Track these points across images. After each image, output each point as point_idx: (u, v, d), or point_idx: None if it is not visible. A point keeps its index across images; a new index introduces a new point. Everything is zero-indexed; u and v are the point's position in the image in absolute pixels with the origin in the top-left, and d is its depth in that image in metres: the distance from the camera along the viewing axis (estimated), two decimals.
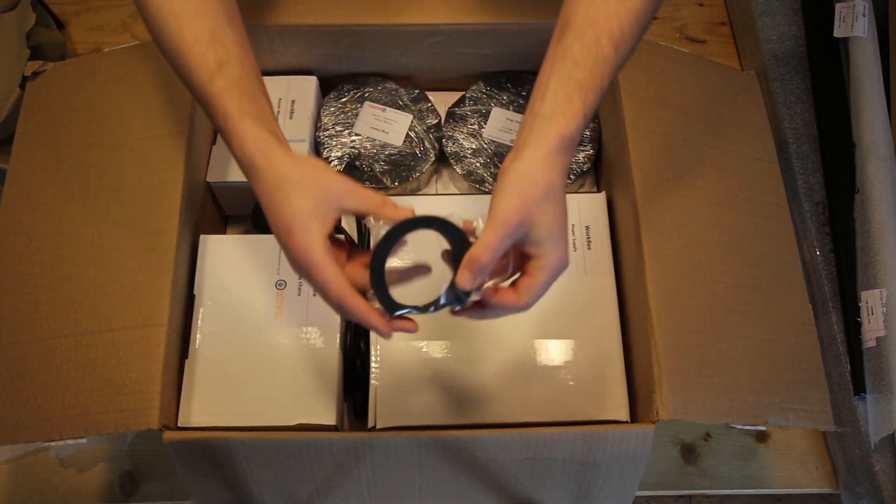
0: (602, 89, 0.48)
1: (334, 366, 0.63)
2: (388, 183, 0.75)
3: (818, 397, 0.62)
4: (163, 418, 0.56)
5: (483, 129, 0.79)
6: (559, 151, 0.47)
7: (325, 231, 0.46)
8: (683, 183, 0.67)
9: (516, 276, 0.49)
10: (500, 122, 0.79)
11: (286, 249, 0.47)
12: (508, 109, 0.80)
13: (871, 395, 0.69)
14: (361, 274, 0.48)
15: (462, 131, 0.79)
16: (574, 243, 0.69)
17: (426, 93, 0.81)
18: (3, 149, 0.76)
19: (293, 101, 0.77)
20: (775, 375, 0.61)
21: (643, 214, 0.63)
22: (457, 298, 0.46)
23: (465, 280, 0.45)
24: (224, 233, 0.79)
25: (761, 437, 0.74)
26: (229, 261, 0.66)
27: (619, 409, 0.63)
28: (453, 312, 0.48)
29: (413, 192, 0.79)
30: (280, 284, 0.66)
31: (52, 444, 0.57)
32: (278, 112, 0.76)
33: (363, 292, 0.47)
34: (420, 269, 0.51)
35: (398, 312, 0.47)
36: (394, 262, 0.49)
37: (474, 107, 0.80)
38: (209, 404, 0.61)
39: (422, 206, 0.73)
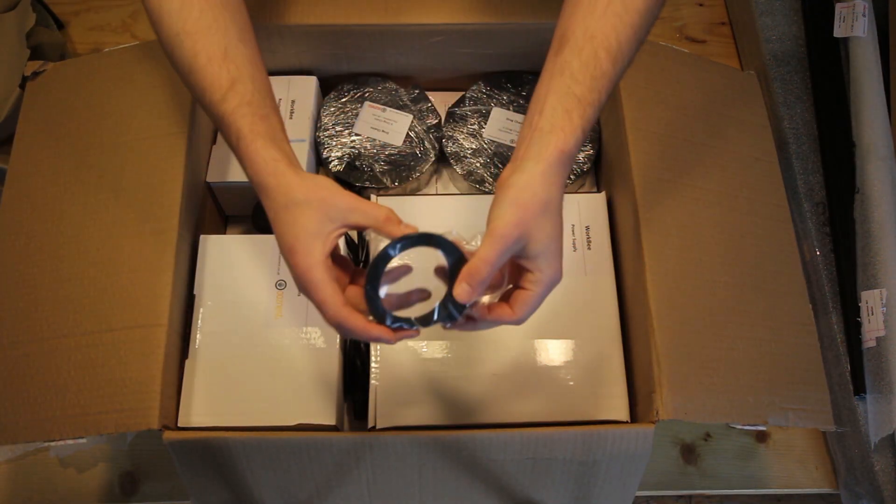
0: (600, 103, 0.49)
1: (334, 366, 0.63)
2: (388, 183, 0.75)
3: (818, 397, 0.62)
4: (163, 418, 0.56)
5: (483, 129, 0.79)
6: (558, 166, 0.47)
7: (327, 250, 0.46)
8: (683, 183, 0.67)
9: (509, 287, 0.49)
10: (500, 122, 0.79)
11: (290, 268, 0.48)
12: (508, 109, 0.80)
13: (871, 395, 0.69)
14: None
15: (462, 131, 0.79)
16: (574, 243, 0.69)
17: (426, 93, 0.81)
18: (3, 149, 0.76)
19: (293, 101, 0.77)
20: (775, 375, 0.61)
21: (643, 214, 0.63)
22: (449, 315, 0.46)
23: (463, 293, 0.45)
24: (224, 233, 0.80)
25: (761, 437, 0.74)
26: (229, 261, 0.66)
27: (619, 409, 0.63)
28: (445, 328, 0.48)
29: (413, 192, 0.79)
30: (280, 284, 0.66)
31: (52, 444, 0.57)
32: None
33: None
34: (420, 293, 0.51)
35: (391, 326, 0.47)
36: (394, 287, 0.50)
37: (474, 107, 0.80)
38: (209, 404, 0.61)
39: (422, 205, 0.73)
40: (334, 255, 0.49)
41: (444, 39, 0.77)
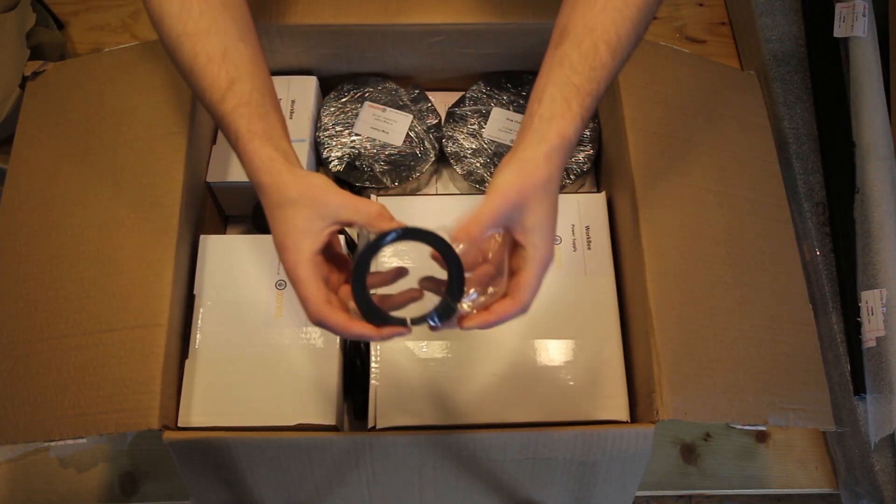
0: (598, 94, 0.50)
1: (334, 366, 0.63)
2: (388, 183, 0.75)
3: (818, 397, 0.62)
4: (163, 418, 0.56)
5: (483, 129, 0.79)
6: (559, 150, 0.48)
7: (315, 247, 0.46)
8: (683, 183, 0.67)
9: (504, 287, 0.49)
10: (500, 122, 0.79)
11: (282, 265, 0.48)
12: (508, 109, 0.80)
13: (871, 395, 0.69)
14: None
15: (462, 131, 0.79)
16: (574, 243, 0.69)
17: (426, 93, 0.81)
18: (3, 149, 0.76)
19: (293, 101, 0.77)
20: (775, 375, 0.61)
21: (643, 214, 0.63)
22: (444, 313, 0.46)
23: (460, 235, 0.46)
24: (224, 233, 0.80)
25: (761, 437, 0.74)
26: (229, 261, 0.66)
27: (619, 409, 0.63)
28: (434, 329, 0.47)
29: (413, 192, 0.79)
30: (280, 284, 0.66)
31: (52, 444, 0.57)
32: None
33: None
34: (401, 272, 0.51)
35: (375, 321, 0.47)
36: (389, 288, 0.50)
37: (474, 107, 0.80)
38: (209, 404, 0.61)
39: (422, 206, 0.73)
40: (330, 253, 0.49)
41: (444, 39, 0.77)
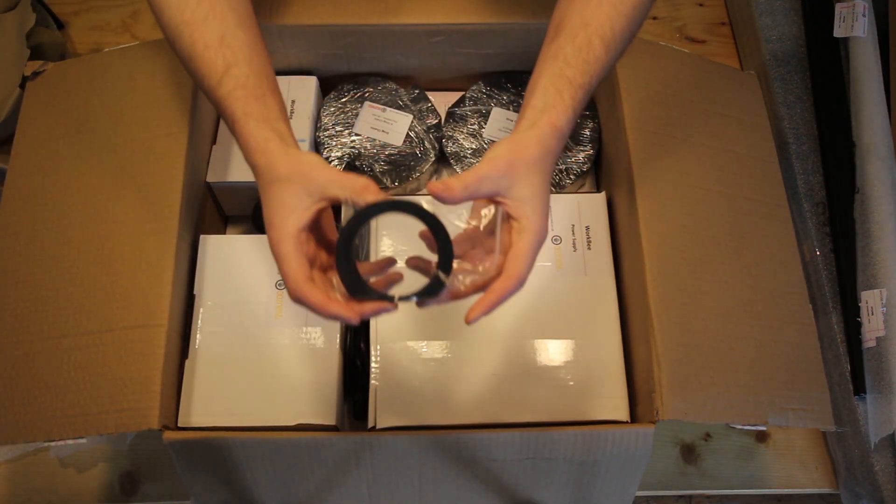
0: (591, 87, 0.51)
1: (334, 366, 0.63)
2: (388, 183, 0.76)
3: (818, 397, 0.62)
4: (163, 418, 0.56)
5: (483, 129, 0.79)
6: (551, 138, 0.49)
7: (300, 224, 0.46)
8: (683, 183, 0.67)
9: (498, 265, 0.48)
10: (500, 122, 0.79)
11: (269, 242, 0.48)
12: (508, 109, 0.80)
13: (871, 395, 0.69)
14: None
15: (462, 131, 0.79)
16: (574, 243, 0.69)
17: (426, 93, 0.81)
18: (3, 149, 0.76)
19: (293, 101, 0.77)
20: (775, 375, 0.61)
21: (643, 214, 0.63)
22: (434, 287, 0.46)
23: (435, 187, 0.45)
24: (224, 233, 0.80)
25: (761, 437, 0.74)
26: (229, 261, 0.66)
27: (619, 409, 0.63)
28: (420, 305, 0.47)
29: (413, 192, 0.79)
30: (280, 284, 0.66)
31: (52, 444, 0.57)
32: None
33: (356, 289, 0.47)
34: (390, 262, 0.52)
35: (357, 295, 0.46)
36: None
37: (474, 107, 0.80)
38: (209, 404, 0.61)
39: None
40: (322, 236, 0.49)
41: (444, 39, 0.77)
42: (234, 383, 0.62)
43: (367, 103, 0.79)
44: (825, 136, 0.81)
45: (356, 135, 0.77)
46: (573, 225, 0.69)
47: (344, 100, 0.80)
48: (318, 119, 0.79)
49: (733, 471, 0.73)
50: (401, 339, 0.64)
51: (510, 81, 0.81)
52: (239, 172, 0.73)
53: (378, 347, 0.63)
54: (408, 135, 0.78)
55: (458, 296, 0.48)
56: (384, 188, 0.76)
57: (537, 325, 0.65)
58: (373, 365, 0.63)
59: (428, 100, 0.81)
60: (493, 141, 0.78)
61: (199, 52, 0.51)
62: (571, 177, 0.77)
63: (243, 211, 0.78)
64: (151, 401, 0.56)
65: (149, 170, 0.65)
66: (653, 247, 0.62)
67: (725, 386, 0.59)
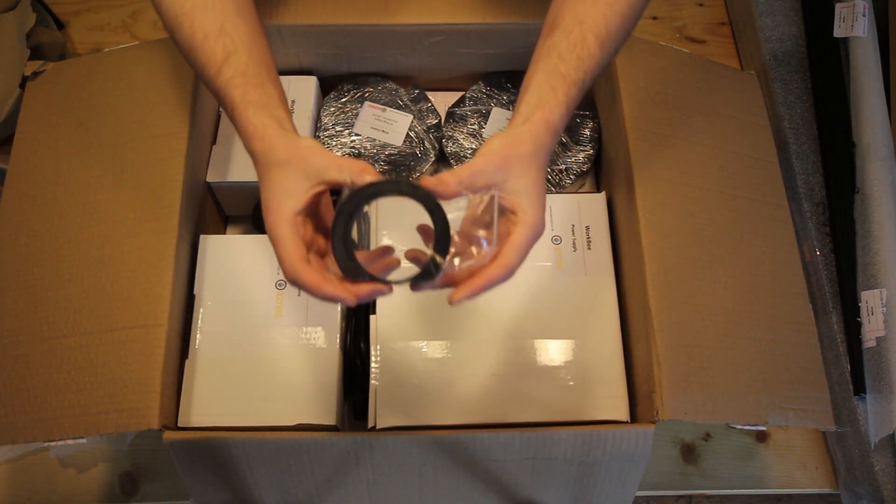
0: (585, 83, 0.51)
1: (334, 366, 0.63)
2: None
3: (818, 397, 0.62)
4: (163, 418, 0.56)
5: (483, 129, 0.79)
6: (545, 133, 0.49)
7: (297, 207, 0.46)
8: (683, 183, 0.67)
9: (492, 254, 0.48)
10: (500, 122, 0.79)
11: (265, 226, 0.48)
12: (508, 109, 0.80)
13: (871, 395, 0.69)
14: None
15: (462, 131, 0.79)
16: (574, 243, 0.69)
17: (426, 93, 0.81)
18: (3, 149, 0.76)
19: (293, 101, 0.77)
20: (775, 375, 0.61)
21: (643, 214, 0.63)
22: (430, 271, 0.45)
23: (429, 182, 0.45)
24: (224, 233, 0.80)
25: (761, 437, 0.74)
26: (229, 261, 0.66)
27: (619, 409, 0.63)
28: (415, 288, 0.47)
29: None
30: (280, 284, 0.66)
31: (52, 444, 0.57)
32: None
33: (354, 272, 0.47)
34: (388, 250, 0.51)
35: (360, 279, 0.46)
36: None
37: (474, 107, 0.80)
38: (209, 404, 0.61)
39: (422, 205, 0.73)
40: (320, 223, 0.49)
41: (444, 39, 0.77)
42: (234, 383, 0.62)
43: (367, 103, 0.79)
44: (825, 136, 0.81)
45: (356, 135, 0.77)
46: (573, 225, 0.69)
47: (344, 100, 0.80)
48: (318, 119, 0.79)
49: (733, 471, 0.73)
50: (401, 339, 0.64)
51: (510, 81, 0.81)
52: (239, 172, 0.73)
53: (378, 347, 0.63)
54: (408, 135, 0.78)
55: (453, 281, 0.47)
56: None
57: (537, 325, 0.65)
58: (373, 365, 0.63)
59: (428, 100, 0.81)
60: None
61: (198, 42, 0.51)
62: (571, 177, 0.77)
63: (243, 211, 0.78)
64: (151, 401, 0.56)
65: (149, 170, 0.65)
66: (653, 247, 0.62)
67: (725, 386, 0.59)
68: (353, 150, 0.77)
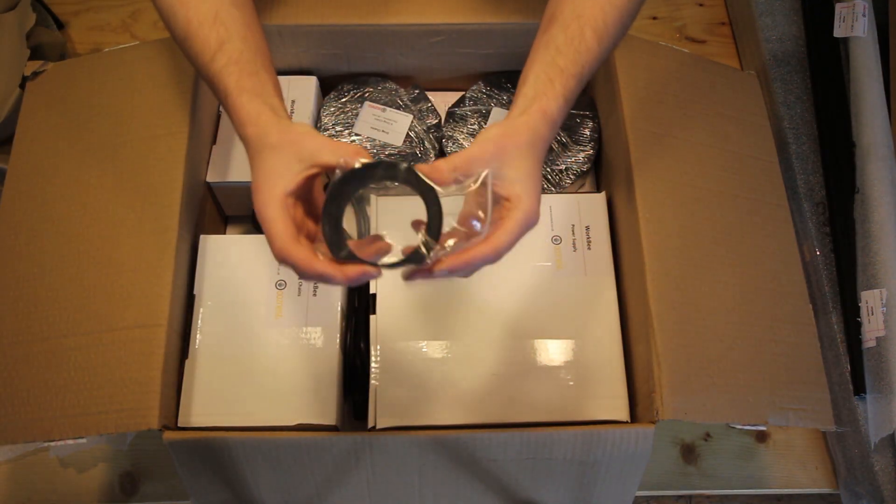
0: (583, 77, 0.51)
1: (334, 366, 0.63)
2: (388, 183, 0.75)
3: (818, 397, 0.62)
4: (163, 418, 0.56)
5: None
6: (542, 124, 0.49)
7: (288, 188, 0.46)
8: (683, 183, 0.67)
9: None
10: None
11: (254, 208, 0.47)
12: (508, 109, 0.80)
13: (871, 395, 0.69)
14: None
15: (462, 131, 0.79)
16: (574, 243, 0.69)
17: (426, 93, 0.81)
18: (3, 149, 0.76)
19: (293, 102, 0.77)
20: (775, 375, 0.61)
21: (643, 214, 0.63)
22: (421, 254, 0.45)
23: (425, 168, 0.45)
24: (224, 233, 0.79)
25: (761, 437, 0.74)
26: (229, 261, 0.66)
27: (619, 409, 0.63)
28: (407, 278, 0.46)
29: (413, 193, 0.79)
30: (280, 284, 0.66)
31: (52, 444, 0.57)
32: None
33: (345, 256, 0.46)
34: (379, 238, 0.51)
35: (349, 260, 0.45)
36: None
37: (474, 107, 0.80)
38: (209, 404, 0.61)
39: (421, 205, 0.73)
40: (311, 207, 0.49)
41: (444, 39, 0.77)
42: (234, 383, 0.62)
43: (367, 103, 0.79)
44: (825, 136, 0.81)
45: (356, 135, 0.77)
46: (573, 225, 0.69)
47: (344, 100, 0.80)
48: (318, 119, 0.79)
49: (733, 471, 0.73)
50: (401, 339, 0.64)
51: (510, 81, 0.81)
52: (239, 172, 0.73)
53: (378, 347, 0.63)
54: (408, 135, 0.78)
55: (438, 262, 0.46)
56: (384, 188, 0.76)
57: (537, 325, 0.65)
58: (373, 365, 0.63)
59: (428, 100, 0.81)
60: None
61: (193, 30, 0.51)
62: (571, 177, 0.77)
63: (243, 211, 0.78)
64: (151, 401, 0.56)
65: (149, 170, 0.65)
66: (653, 247, 0.62)
67: (725, 386, 0.59)
68: None
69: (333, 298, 0.65)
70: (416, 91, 0.81)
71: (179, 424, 0.60)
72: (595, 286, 0.67)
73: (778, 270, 0.66)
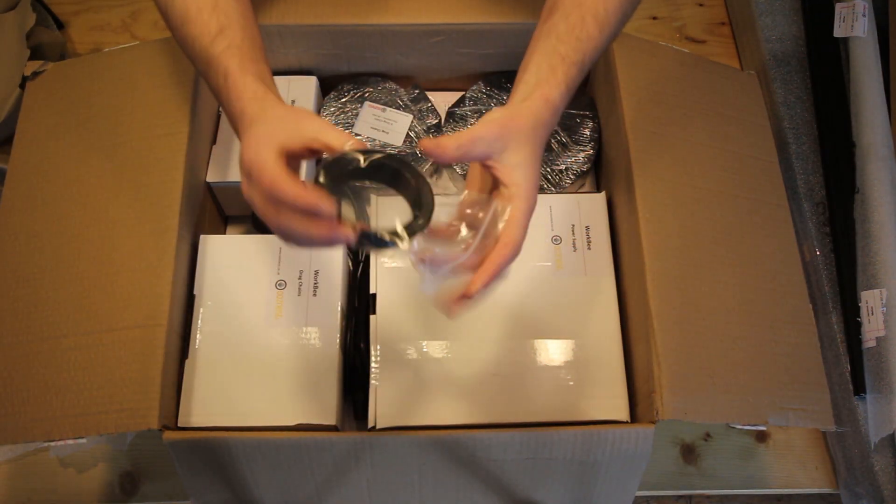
0: (584, 65, 0.51)
1: (334, 366, 0.63)
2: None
3: (818, 397, 0.62)
4: (163, 418, 0.56)
5: None
6: (544, 111, 0.49)
7: (287, 144, 0.44)
8: (683, 183, 0.67)
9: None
10: None
11: (242, 170, 0.45)
12: None
13: (871, 395, 0.69)
14: None
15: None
16: (574, 243, 0.69)
17: (426, 93, 0.81)
18: (3, 149, 0.76)
19: (293, 102, 0.77)
20: (775, 375, 0.61)
21: (643, 214, 0.63)
22: (410, 230, 0.44)
23: (427, 144, 0.45)
24: (224, 233, 0.79)
25: (761, 437, 0.74)
26: (229, 261, 0.66)
27: (619, 409, 0.63)
28: (449, 311, 0.46)
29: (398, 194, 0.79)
30: (280, 284, 0.66)
31: (52, 444, 0.57)
32: None
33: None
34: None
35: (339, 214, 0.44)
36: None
37: (474, 107, 0.80)
38: (209, 404, 0.61)
39: None
40: (289, 164, 0.47)
41: (444, 39, 0.77)
42: (234, 383, 0.62)
43: (367, 103, 0.79)
44: (825, 136, 0.81)
45: (356, 135, 0.77)
46: (573, 225, 0.69)
47: (344, 100, 0.80)
48: None
49: (733, 471, 0.73)
50: (401, 339, 0.64)
51: (510, 81, 0.81)
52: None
53: (378, 347, 0.63)
54: (408, 135, 0.78)
55: (469, 285, 0.46)
56: (384, 188, 0.76)
57: (537, 325, 0.65)
58: (373, 365, 0.63)
59: (428, 100, 0.81)
60: None
61: (192, 15, 0.51)
62: (571, 177, 0.77)
63: (243, 211, 0.78)
64: (151, 401, 0.56)
65: (149, 170, 0.65)
66: (653, 247, 0.62)
67: (725, 386, 0.59)
68: None
69: (333, 298, 0.65)
70: (416, 91, 0.81)
71: (179, 424, 0.60)
72: (595, 286, 0.67)
73: (778, 270, 0.66)
